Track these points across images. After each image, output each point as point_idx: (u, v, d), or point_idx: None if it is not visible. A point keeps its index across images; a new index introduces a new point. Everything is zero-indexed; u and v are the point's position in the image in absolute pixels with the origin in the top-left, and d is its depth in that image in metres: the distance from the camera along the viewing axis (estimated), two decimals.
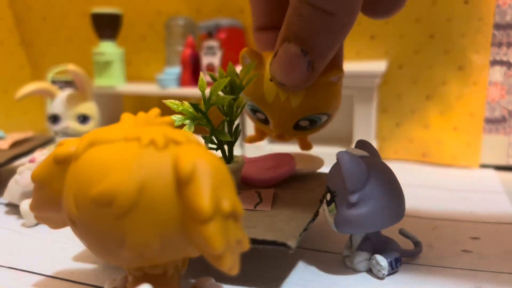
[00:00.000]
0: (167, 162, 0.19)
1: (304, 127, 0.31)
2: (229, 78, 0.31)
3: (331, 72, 0.28)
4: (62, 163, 0.20)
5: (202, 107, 0.30)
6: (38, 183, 0.22)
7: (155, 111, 0.21)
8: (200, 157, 0.19)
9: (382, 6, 0.28)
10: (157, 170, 0.18)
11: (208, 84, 0.28)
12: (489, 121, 0.55)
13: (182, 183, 0.18)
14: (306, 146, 0.35)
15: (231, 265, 0.19)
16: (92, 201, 0.18)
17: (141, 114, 0.21)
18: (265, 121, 0.32)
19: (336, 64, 0.29)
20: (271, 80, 0.28)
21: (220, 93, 0.31)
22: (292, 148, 0.58)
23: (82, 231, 0.20)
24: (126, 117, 0.21)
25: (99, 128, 0.21)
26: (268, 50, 0.30)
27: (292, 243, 0.24)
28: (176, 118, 0.30)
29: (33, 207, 0.23)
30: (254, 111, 0.32)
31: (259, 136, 0.35)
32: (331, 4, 0.24)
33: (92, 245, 0.20)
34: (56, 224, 0.24)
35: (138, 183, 0.18)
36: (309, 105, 0.29)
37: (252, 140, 0.35)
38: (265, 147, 0.58)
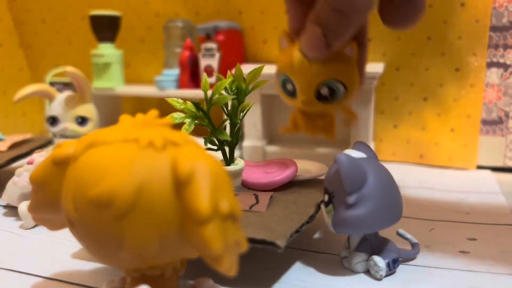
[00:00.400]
0: (165, 163, 0.19)
1: (325, 96, 0.35)
2: (231, 78, 0.31)
3: (345, 46, 0.35)
4: (60, 164, 0.20)
5: (204, 107, 0.31)
6: (37, 185, 0.22)
7: (154, 112, 0.21)
8: (198, 159, 0.19)
9: (399, 19, 0.36)
10: (156, 172, 0.18)
11: (211, 86, 0.29)
12: (486, 122, 0.55)
13: (180, 184, 0.18)
14: (351, 115, 0.38)
15: (229, 266, 0.19)
16: (90, 202, 0.18)
17: (139, 116, 0.21)
18: (293, 94, 0.36)
19: (352, 39, 0.36)
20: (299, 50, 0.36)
21: (224, 93, 0.31)
22: (293, 152, 0.58)
23: (81, 233, 0.20)
24: (124, 118, 0.21)
25: (98, 130, 0.21)
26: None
27: (281, 242, 0.24)
28: (177, 115, 0.30)
29: (31, 209, 0.23)
30: (284, 84, 0.37)
31: (293, 127, 0.39)
32: (346, 8, 0.32)
33: (90, 246, 0.20)
34: (54, 226, 0.24)
35: (137, 185, 0.18)
36: (326, 70, 0.35)
37: (287, 130, 0.39)
38: (264, 148, 0.59)
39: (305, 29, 0.35)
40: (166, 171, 0.19)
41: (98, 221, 0.18)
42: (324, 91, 0.35)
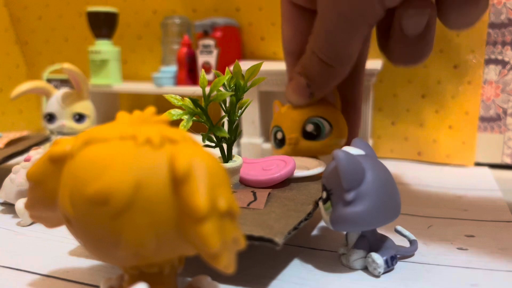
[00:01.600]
0: (163, 160, 0.19)
1: (310, 133, 0.38)
2: (229, 75, 0.31)
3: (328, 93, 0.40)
4: (57, 162, 0.20)
5: (202, 103, 0.31)
6: (33, 182, 0.22)
7: (151, 109, 0.21)
8: (196, 156, 0.19)
9: (410, 58, 0.36)
10: (153, 169, 0.18)
11: (209, 82, 0.29)
12: (484, 119, 0.55)
13: (178, 182, 0.18)
14: None
15: (227, 263, 0.19)
16: (87, 200, 0.18)
17: (136, 113, 0.21)
18: (282, 141, 0.39)
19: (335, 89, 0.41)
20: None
21: (222, 89, 0.31)
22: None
23: (78, 230, 0.20)
24: (121, 115, 0.21)
25: (95, 127, 0.21)
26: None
27: (279, 239, 0.24)
28: (175, 112, 0.30)
29: (28, 206, 0.23)
30: (275, 135, 0.40)
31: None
32: (332, 60, 0.35)
33: (87, 244, 0.20)
34: (51, 223, 0.24)
35: (134, 182, 0.18)
36: (310, 109, 0.38)
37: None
38: (262, 145, 0.59)
39: (291, 78, 0.38)
40: (163, 168, 0.18)
41: (95, 219, 0.18)
42: (310, 127, 0.38)
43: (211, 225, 0.18)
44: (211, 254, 0.18)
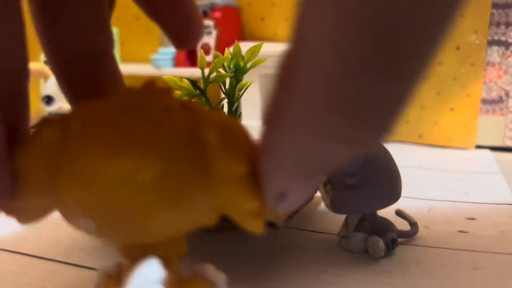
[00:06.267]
0: (187, 127, 0.18)
1: None
2: (229, 56, 0.30)
3: None
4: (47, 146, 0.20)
5: (201, 85, 0.30)
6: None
7: (151, 81, 0.20)
8: (222, 120, 0.18)
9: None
10: (177, 138, 0.17)
11: (209, 64, 0.28)
12: (486, 101, 0.55)
13: (208, 147, 0.17)
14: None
15: (263, 223, 0.18)
16: (111, 175, 0.17)
17: (136, 87, 0.20)
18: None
19: None
20: None
21: (221, 71, 0.30)
22: None
23: (91, 209, 0.19)
24: (121, 88, 0.20)
25: (88, 103, 0.19)
26: None
27: (279, 222, 0.24)
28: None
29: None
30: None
31: None
32: None
33: (101, 222, 0.19)
34: (29, 216, 0.23)
35: (161, 153, 0.17)
36: None
37: None
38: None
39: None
40: (189, 135, 0.17)
41: (119, 193, 0.17)
42: None
43: (251, 182, 0.17)
44: (251, 209, 0.17)
